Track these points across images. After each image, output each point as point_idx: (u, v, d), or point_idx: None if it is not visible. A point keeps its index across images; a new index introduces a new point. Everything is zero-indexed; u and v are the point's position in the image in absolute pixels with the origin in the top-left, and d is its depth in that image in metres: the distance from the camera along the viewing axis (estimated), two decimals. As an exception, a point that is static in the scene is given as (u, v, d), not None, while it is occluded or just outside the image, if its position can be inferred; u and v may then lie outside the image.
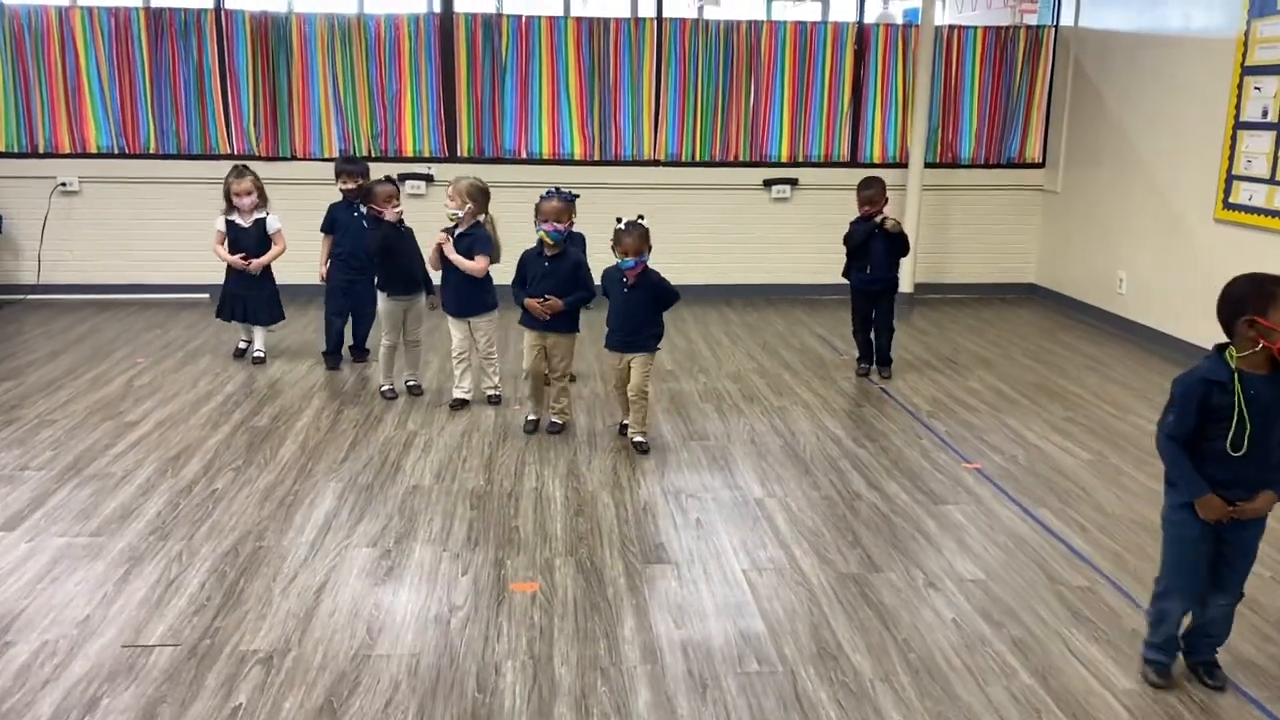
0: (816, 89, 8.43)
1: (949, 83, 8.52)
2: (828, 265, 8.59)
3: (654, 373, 5.28)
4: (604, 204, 8.00)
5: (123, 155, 8.04)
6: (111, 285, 8.11)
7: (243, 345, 6.41)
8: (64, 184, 7.96)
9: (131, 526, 3.98)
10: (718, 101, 8.38)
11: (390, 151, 8.24)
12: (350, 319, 6.25)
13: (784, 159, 8.52)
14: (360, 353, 6.42)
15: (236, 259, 6.06)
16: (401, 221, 5.56)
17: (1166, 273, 7.00)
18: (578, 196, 4.82)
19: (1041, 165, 8.69)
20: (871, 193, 5.98)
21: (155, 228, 8.01)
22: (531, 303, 4.90)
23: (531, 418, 5.17)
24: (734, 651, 3.17)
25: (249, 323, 6.31)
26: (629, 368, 4.88)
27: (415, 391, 5.72)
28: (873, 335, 6.23)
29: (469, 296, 5.38)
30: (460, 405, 5.48)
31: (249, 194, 6.04)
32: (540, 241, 4.90)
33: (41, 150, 7.99)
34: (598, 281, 5.02)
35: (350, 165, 6.15)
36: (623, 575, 3.66)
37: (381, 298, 5.63)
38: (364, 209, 5.77)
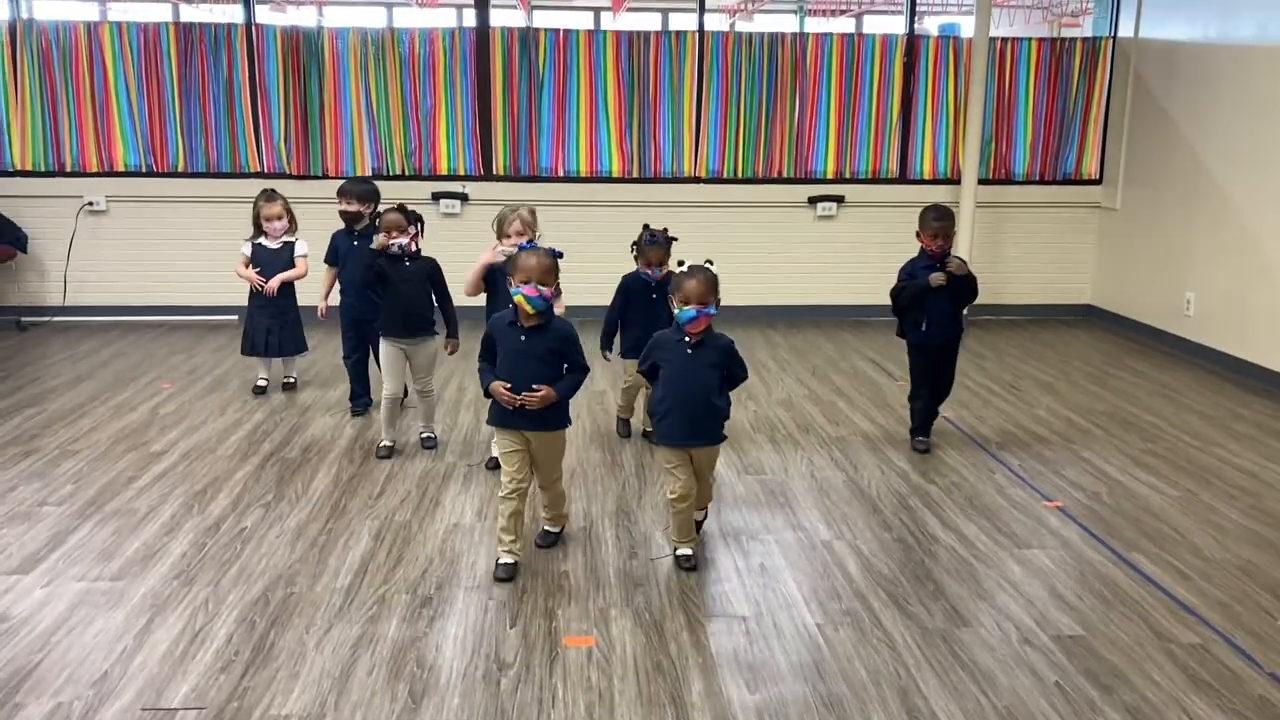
0: (864, 102, 8.14)
1: (1002, 96, 8.20)
2: (875, 286, 8.28)
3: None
4: (643, 222, 7.77)
5: (151, 174, 7.86)
6: (138, 307, 7.90)
7: (262, 383, 5.99)
8: (91, 203, 7.77)
9: (155, 569, 3.71)
10: (761, 116, 8.10)
11: (424, 169, 8.01)
12: (370, 356, 5.56)
13: (830, 175, 8.23)
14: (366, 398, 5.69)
15: (253, 274, 5.77)
16: (403, 250, 4.73)
17: (1241, 294, 6.63)
18: (561, 255, 3.65)
19: (1099, 182, 8.35)
20: (945, 225, 4.85)
21: (183, 248, 7.80)
22: (503, 391, 3.57)
23: (507, 560, 3.67)
24: (816, 720, 2.85)
25: (276, 355, 5.96)
26: (690, 467, 3.72)
27: (428, 445, 5.02)
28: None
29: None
30: (496, 464, 4.55)
31: (280, 218, 5.78)
32: (514, 307, 3.64)
33: (69, 169, 7.81)
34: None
35: (353, 185, 5.49)
36: (685, 629, 3.34)
37: (382, 343, 4.89)
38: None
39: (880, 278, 8.34)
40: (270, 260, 5.82)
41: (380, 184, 7.68)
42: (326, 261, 5.52)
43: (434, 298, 4.89)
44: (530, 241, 4.33)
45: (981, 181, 8.04)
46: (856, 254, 8.19)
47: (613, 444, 5.17)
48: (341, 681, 3.01)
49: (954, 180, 8.17)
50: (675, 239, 4.96)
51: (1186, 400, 6.07)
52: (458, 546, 3.95)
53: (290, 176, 7.83)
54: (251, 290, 5.83)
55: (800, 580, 3.70)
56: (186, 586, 3.58)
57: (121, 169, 7.84)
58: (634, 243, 4.96)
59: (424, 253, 4.88)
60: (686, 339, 3.65)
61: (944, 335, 4.96)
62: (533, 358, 3.60)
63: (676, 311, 3.62)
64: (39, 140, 7.76)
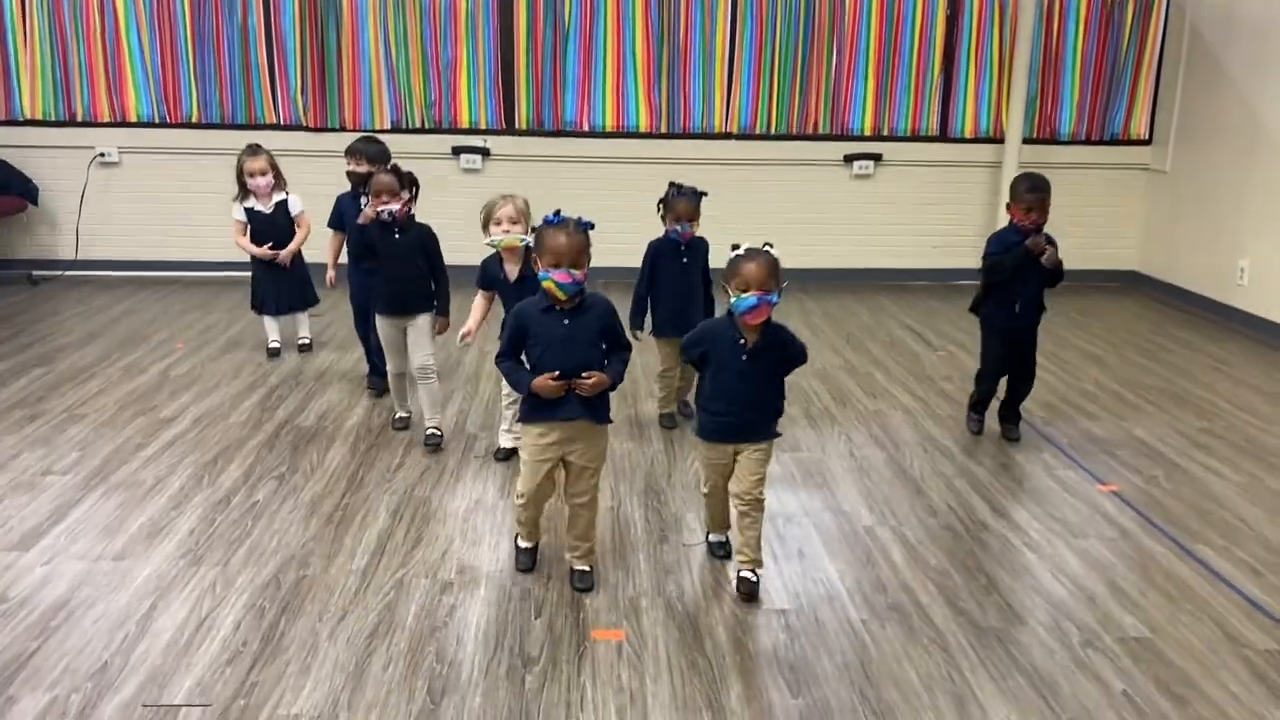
0: (904, 56, 7.77)
1: (1049, 51, 7.81)
2: (913, 249, 8.04)
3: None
4: (668, 181, 7.49)
5: (164, 125, 7.60)
6: (151, 262, 7.70)
7: (274, 345, 5.73)
8: (103, 154, 7.54)
9: (160, 548, 3.52)
10: (796, 69, 7.75)
11: (445, 122, 7.72)
12: None
13: (867, 132, 7.89)
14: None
15: (264, 250, 5.51)
16: (394, 218, 4.26)
17: (1301, 263, 6.31)
18: (593, 226, 3.21)
19: (1148, 142, 7.98)
20: (1040, 196, 4.29)
21: (198, 201, 7.55)
22: (549, 382, 3.11)
23: (527, 544, 3.44)
24: (865, 731, 2.64)
25: (287, 313, 5.74)
26: (734, 462, 3.32)
27: (431, 443, 4.41)
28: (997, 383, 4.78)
29: (527, 291, 3.93)
30: (508, 456, 4.28)
31: (264, 173, 5.40)
32: (542, 293, 3.19)
33: (80, 119, 7.57)
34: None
35: (364, 145, 5.01)
36: (720, 623, 3.13)
37: (377, 318, 4.47)
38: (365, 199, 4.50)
39: (918, 241, 8.12)
40: (266, 226, 5.51)
41: (399, 137, 7.52)
42: (332, 226, 5.15)
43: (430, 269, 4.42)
44: (531, 238, 3.76)
45: (1025, 141, 7.70)
46: (894, 215, 7.89)
47: (639, 419, 4.94)
48: (356, 677, 2.81)
49: (997, 139, 7.82)
50: (705, 194, 4.66)
51: (1242, 375, 5.78)
52: (480, 526, 3.74)
53: (307, 129, 7.57)
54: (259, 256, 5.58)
55: (842, 570, 3.48)
56: (194, 567, 3.39)
57: (134, 119, 7.59)
58: (660, 200, 4.64)
59: (423, 218, 4.47)
60: (742, 340, 3.16)
61: (1029, 319, 4.50)
62: (581, 342, 3.16)
63: (733, 300, 3.10)
64: (49, 89, 7.51)
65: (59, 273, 7.59)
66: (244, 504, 3.88)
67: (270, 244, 5.53)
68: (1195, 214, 7.40)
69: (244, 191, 5.46)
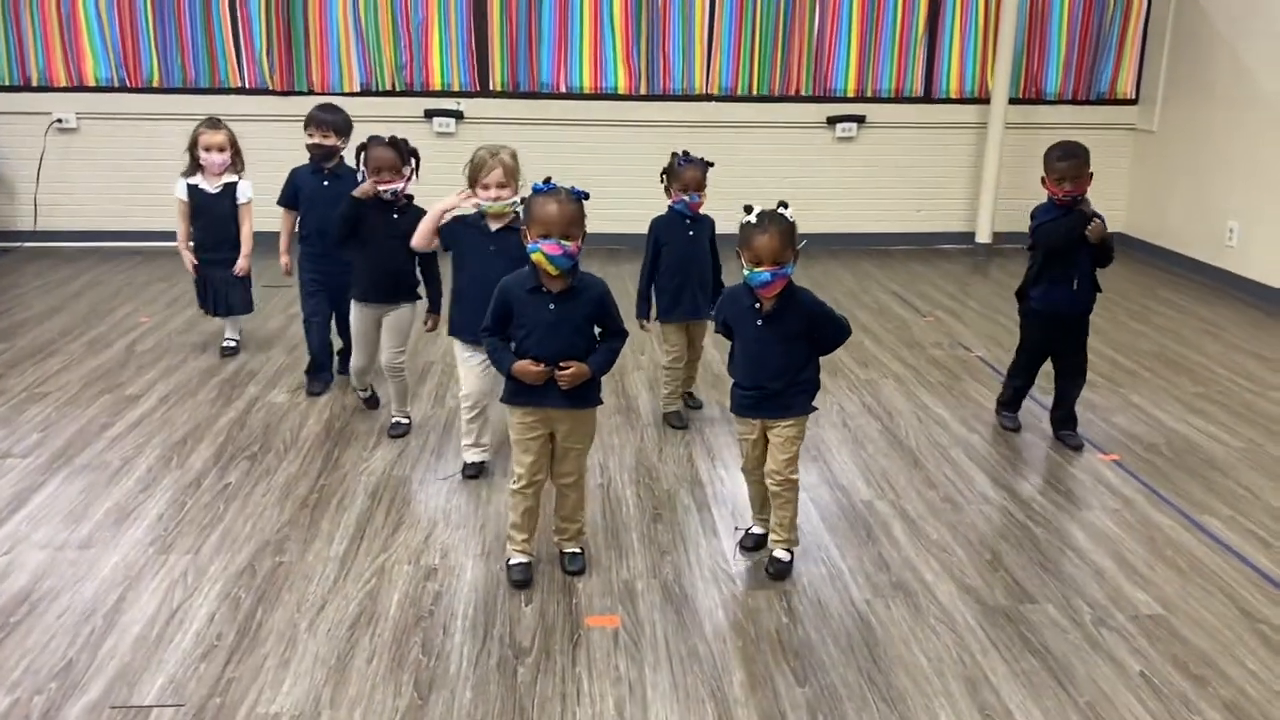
0: (888, 14, 7.59)
1: (1035, 7, 7.65)
2: (897, 212, 7.90)
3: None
4: (651, 143, 7.28)
5: (124, 89, 7.31)
6: (114, 232, 7.43)
7: (229, 344, 5.14)
8: (60, 120, 7.25)
9: (128, 534, 3.34)
10: (778, 28, 7.55)
11: (416, 85, 7.47)
12: (335, 319, 4.66)
13: (850, 93, 7.72)
14: (341, 370, 4.78)
15: (190, 259, 4.92)
16: (396, 197, 3.93)
17: (1292, 224, 6.22)
18: (587, 195, 2.95)
19: (1134, 102, 7.86)
20: (1075, 164, 3.85)
21: (161, 169, 7.19)
22: (530, 368, 2.92)
23: (521, 560, 3.12)
24: (876, 719, 2.51)
25: (225, 315, 5.10)
26: (765, 439, 3.18)
27: (396, 433, 4.18)
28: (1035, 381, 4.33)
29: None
30: (477, 472, 3.82)
31: (221, 150, 4.79)
32: (532, 267, 2.94)
33: (35, 84, 7.27)
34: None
35: (327, 114, 4.48)
36: (720, 606, 3.00)
37: (353, 307, 4.11)
38: (360, 174, 4.02)
39: (902, 204, 7.98)
40: (209, 206, 4.86)
41: (369, 100, 7.29)
42: (283, 204, 4.52)
43: (416, 258, 3.97)
44: (520, 201, 3.37)
45: (1011, 101, 7.56)
46: (878, 178, 7.75)
47: (625, 391, 4.79)
48: (338, 671, 2.66)
49: (983, 100, 7.68)
50: (712, 164, 4.23)
51: (1234, 339, 5.70)
52: (464, 507, 3.59)
53: (273, 93, 7.31)
54: (194, 238, 4.94)
55: (842, 546, 3.36)
56: (163, 555, 3.22)
57: (92, 84, 7.30)
58: (663, 170, 4.20)
59: (416, 197, 4.04)
60: (758, 305, 3.03)
61: (1086, 301, 4.05)
62: (566, 329, 2.95)
63: (746, 273, 2.97)
64: (1, 50, 7.19)
65: (17, 244, 7.32)
66: (215, 486, 3.70)
67: (204, 229, 4.91)
68: (1184, 175, 7.30)
69: (194, 166, 4.85)
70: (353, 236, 3.96)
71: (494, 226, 3.57)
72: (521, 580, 3.07)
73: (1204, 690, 2.65)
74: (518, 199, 3.50)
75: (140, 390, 4.61)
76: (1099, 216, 3.92)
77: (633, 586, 3.09)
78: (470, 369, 3.70)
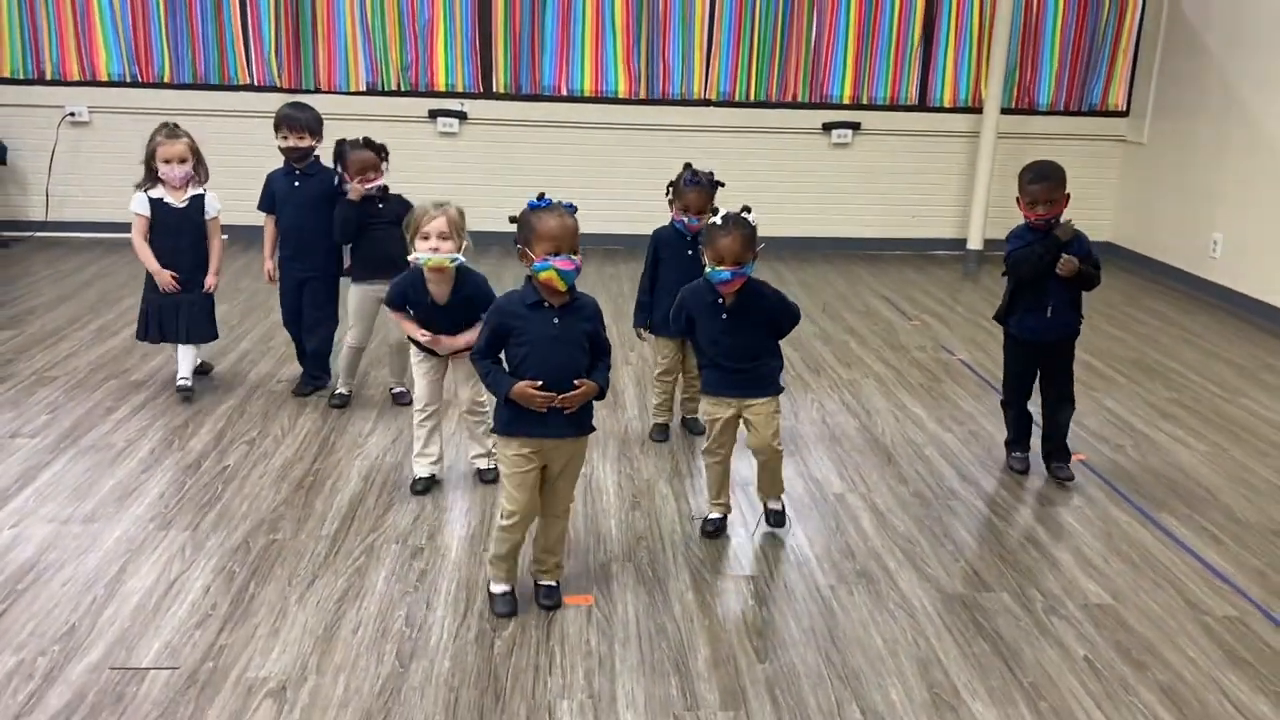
0: (884, 24, 7.74)
1: (1029, 20, 7.80)
2: (890, 218, 8.04)
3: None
4: (649, 147, 7.46)
5: (135, 84, 7.49)
6: (123, 224, 7.54)
7: (184, 382, 4.50)
8: (72, 114, 7.43)
9: (130, 510, 3.51)
10: (776, 36, 7.71)
11: (421, 85, 7.64)
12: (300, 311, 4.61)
13: (846, 100, 7.87)
14: (315, 377, 4.64)
15: (167, 276, 4.39)
16: (380, 191, 4.29)
17: (1273, 237, 6.35)
18: (575, 209, 2.90)
19: (1125, 114, 8.00)
20: (1047, 187, 3.73)
21: (170, 163, 7.44)
22: (532, 391, 2.80)
23: (504, 588, 3.00)
24: (830, 695, 2.67)
25: (173, 341, 4.51)
26: (735, 422, 3.36)
27: (402, 401, 4.48)
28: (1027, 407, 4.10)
29: (458, 314, 3.61)
30: (426, 487, 3.72)
31: (182, 161, 4.33)
32: (529, 287, 2.88)
33: (49, 77, 7.45)
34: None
35: (300, 113, 4.41)
36: (690, 589, 3.15)
37: (353, 289, 4.35)
38: (339, 176, 4.38)
39: (895, 210, 8.12)
40: (175, 224, 4.39)
41: (375, 100, 7.47)
42: (264, 209, 4.50)
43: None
44: (464, 255, 3.50)
45: (1004, 111, 7.69)
46: (872, 184, 7.91)
47: (615, 385, 4.93)
48: (325, 641, 2.82)
49: (975, 109, 7.83)
50: (722, 184, 4.13)
51: (1213, 348, 5.84)
52: (451, 492, 3.75)
53: (281, 90, 7.47)
54: (159, 257, 4.43)
55: (812, 536, 3.51)
56: (163, 530, 3.38)
57: (105, 79, 7.48)
58: (670, 184, 4.13)
59: (401, 186, 4.40)
60: (720, 300, 3.24)
61: (1064, 328, 3.87)
62: (570, 344, 2.87)
63: (708, 270, 3.19)
64: (17, 45, 7.37)
65: (29, 234, 7.50)
66: (214, 468, 3.86)
67: (172, 249, 4.44)
68: (1170, 186, 7.43)
69: (151, 178, 4.40)
70: (356, 234, 4.32)
71: (441, 299, 3.53)
72: (507, 611, 2.95)
73: (1143, 675, 2.79)
74: (460, 256, 3.47)
75: (145, 376, 4.78)
76: (1080, 236, 3.79)
77: (608, 569, 3.25)
78: (421, 374, 3.71)
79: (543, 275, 2.79)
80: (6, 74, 7.40)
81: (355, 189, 4.25)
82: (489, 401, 3.49)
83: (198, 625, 2.87)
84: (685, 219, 4.06)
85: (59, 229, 7.54)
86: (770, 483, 3.46)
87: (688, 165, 4.14)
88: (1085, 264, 3.77)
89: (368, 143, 4.28)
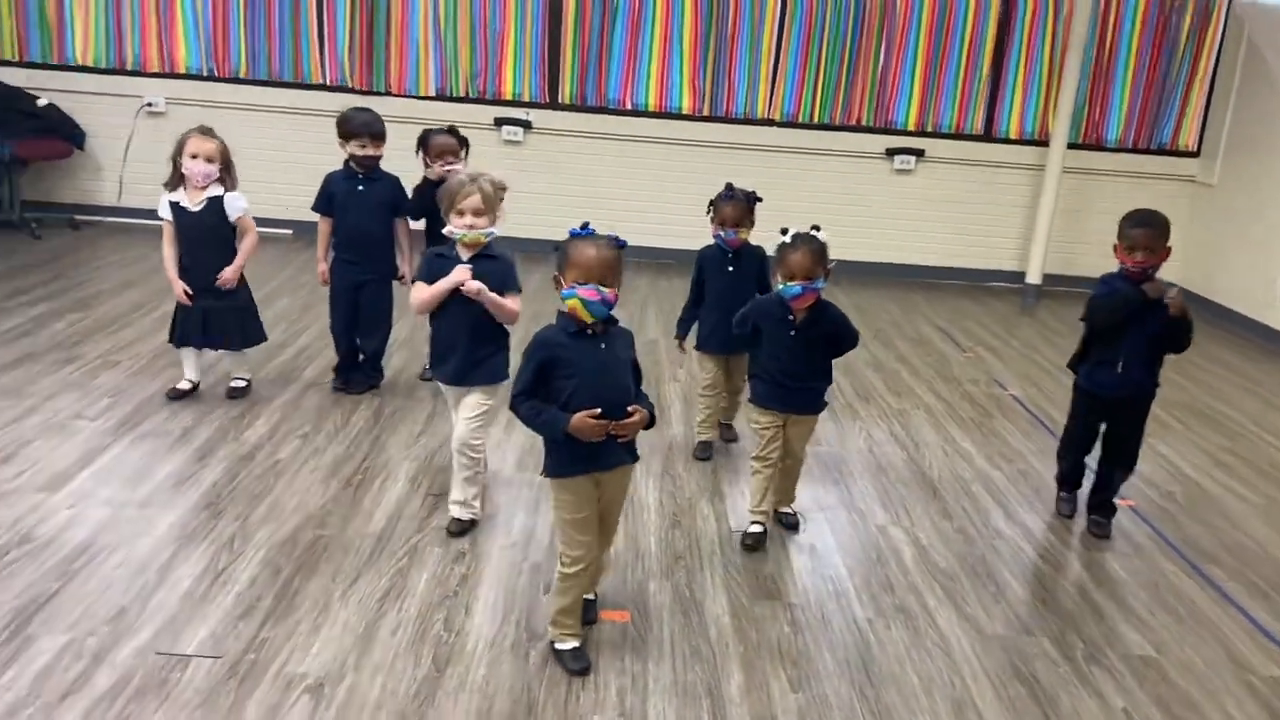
0: (953, 52, 7.71)
1: (1101, 55, 7.71)
2: (949, 247, 7.99)
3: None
4: (709, 165, 7.47)
5: (212, 78, 7.67)
6: (192, 214, 7.76)
7: (184, 386, 4.48)
8: (150, 104, 7.62)
9: (185, 497, 3.60)
10: (843, 60, 7.70)
11: (489, 93, 7.73)
12: (359, 330, 4.69)
13: (911, 127, 7.84)
14: (371, 374, 4.76)
15: (180, 288, 4.33)
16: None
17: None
18: (625, 244, 2.77)
19: (1196, 154, 7.87)
20: (1149, 233, 3.55)
21: (239, 157, 7.52)
22: (592, 421, 2.63)
23: (575, 645, 2.84)
24: (861, 729, 2.66)
25: (212, 348, 4.54)
26: (782, 433, 3.52)
27: (427, 377, 4.62)
28: (1092, 462, 3.97)
29: (480, 353, 3.47)
30: (461, 530, 3.49)
31: (210, 160, 4.25)
32: (569, 315, 2.70)
33: (129, 67, 7.65)
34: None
35: (370, 118, 4.48)
36: (727, 612, 3.16)
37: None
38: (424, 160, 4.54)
39: (955, 239, 8.07)
40: (190, 225, 4.30)
41: (443, 105, 7.57)
42: (319, 210, 4.54)
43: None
44: (497, 230, 3.41)
45: (1070, 146, 7.61)
46: (932, 212, 7.86)
47: (661, 402, 4.96)
48: (365, 640, 2.87)
49: (1042, 142, 7.75)
50: (760, 199, 4.17)
51: (1274, 397, 5.72)
52: (496, 498, 3.79)
53: (353, 91, 7.61)
54: (182, 264, 4.37)
55: (852, 567, 3.50)
56: (214, 520, 3.46)
57: (182, 71, 7.67)
58: (710, 201, 4.18)
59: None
60: (791, 317, 3.43)
61: (1135, 386, 3.72)
62: (618, 368, 2.75)
63: (780, 287, 3.37)
64: (101, 35, 7.59)
65: (100, 218, 7.70)
66: (267, 461, 3.94)
67: (190, 253, 4.38)
68: (1239, 230, 7.30)
69: (177, 177, 4.31)
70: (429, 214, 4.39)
71: (465, 256, 3.40)
72: (582, 668, 2.79)
73: (1182, 731, 2.75)
74: (494, 230, 3.40)
75: (204, 366, 4.87)
76: (1176, 289, 3.59)
77: (645, 587, 3.27)
78: (460, 418, 3.50)
79: (568, 303, 2.66)
80: (90, 63, 7.62)
81: (436, 171, 4.45)
82: (483, 447, 3.56)
83: (242, 616, 2.93)
84: (722, 233, 4.11)
85: (129, 215, 7.73)
86: (786, 490, 3.71)
87: (728, 184, 4.18)
88: (1179, 323, 3.59)
89: (452, 130, 4.57)
